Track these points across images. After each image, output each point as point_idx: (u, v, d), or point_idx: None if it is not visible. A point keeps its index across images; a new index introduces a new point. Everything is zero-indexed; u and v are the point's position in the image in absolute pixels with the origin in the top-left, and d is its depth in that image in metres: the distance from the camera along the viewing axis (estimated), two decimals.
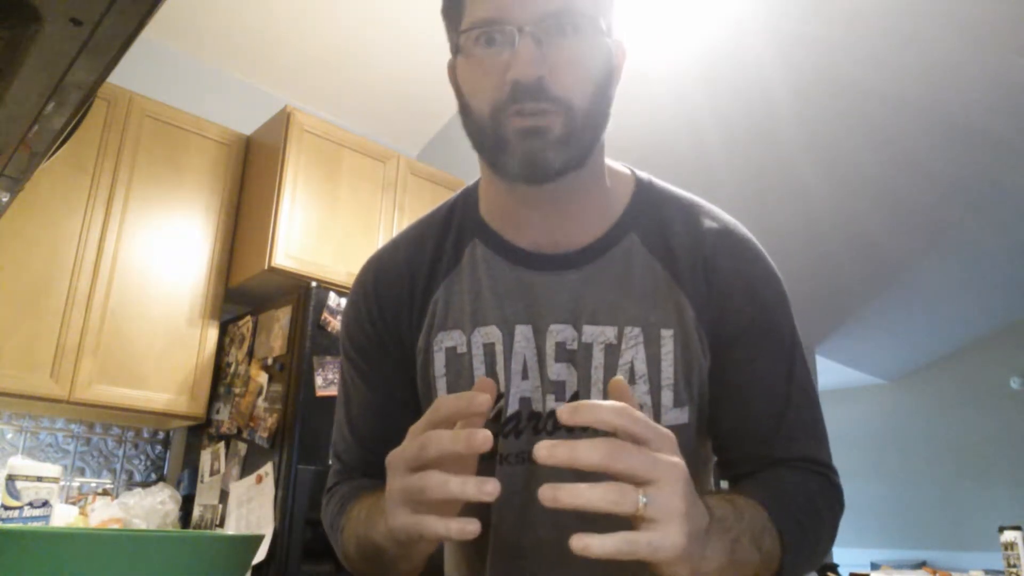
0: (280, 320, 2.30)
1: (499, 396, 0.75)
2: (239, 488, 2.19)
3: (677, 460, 0.53)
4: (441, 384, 0.78)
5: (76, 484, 2.36)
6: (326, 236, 2.52)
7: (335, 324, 2.26)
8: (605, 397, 0.68)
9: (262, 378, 2.27)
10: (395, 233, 2.68)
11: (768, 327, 0.77)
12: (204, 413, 2.38)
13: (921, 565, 5.33)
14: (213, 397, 2.43)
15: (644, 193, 0.81)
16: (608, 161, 0.80)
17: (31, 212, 2.14)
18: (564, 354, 0.74)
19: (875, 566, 5.64)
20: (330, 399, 2.18)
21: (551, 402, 0.74)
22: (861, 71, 3.28)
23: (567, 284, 0.76)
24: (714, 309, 0.75)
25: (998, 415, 6.28)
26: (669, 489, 0.51)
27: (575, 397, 0.73)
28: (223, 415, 2.39)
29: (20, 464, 2.02)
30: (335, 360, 2.22)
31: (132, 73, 2.53)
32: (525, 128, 0.67)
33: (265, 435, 2.16)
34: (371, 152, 2.74)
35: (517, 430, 0.74)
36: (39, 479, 2.01)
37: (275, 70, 3.07)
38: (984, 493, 6.21)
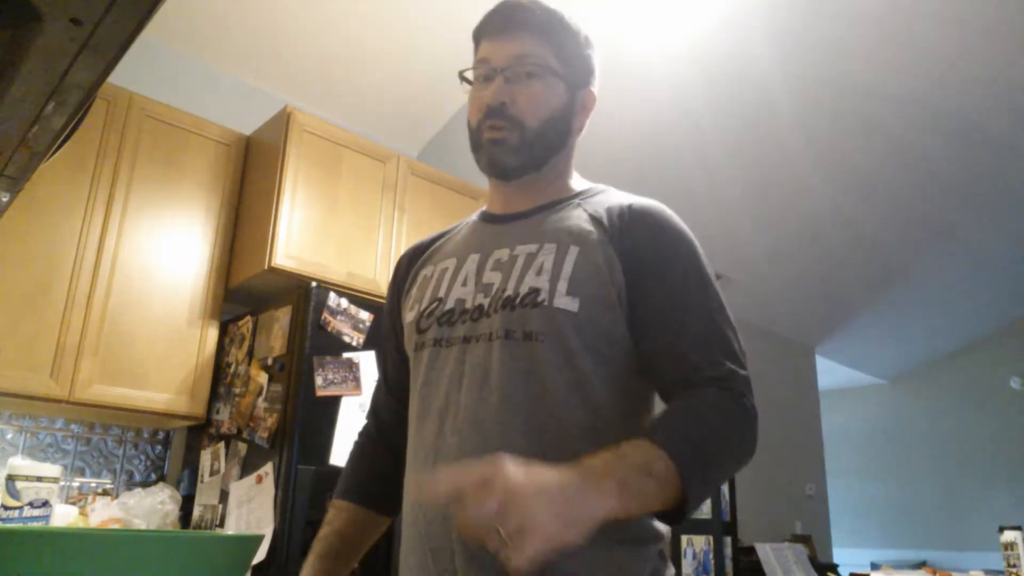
0: (280, 320, 2.30)
1: (438, 299, 1.00)
2: (239, 488, 2.19)
3: (505, 477, 0.65)
4: (408, 301, 1.07)
5: (76, 484, 2.36)
6: (326, 236, 2.52)
7: (335, 324, 2.26)
8: (519, 285, 0.92)
9: (262, 378, 2.27)
10: (395, 233, 2.69)
11: (665, 262, 0.94)
12: (204, 413, 2.38)
13: (921, 565, 5.33)
14: (213, 397, 2.43)
15: (594, 188, 1.07)
16: (582, 178, 1.09)
17: (31, 212, 2.14)
18: (497, 265, 0.98)
19: (875, 566, 5.63)
20: (330, 399, 2.18)
21: (480, 298, 0.96)
22: (861, 70, 3.28)
23: (512, 228, 1.02)
24: (626, 245, 0.94)
25: (998, 415, 6.28)
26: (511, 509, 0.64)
27: (497, 292, 0.94)
28: (223, 415, 2.39)
29: (20, 464, 2.02)
30: (335, 360, 2.22)
31: (132, 73, 2.53)
32: (492, 139, 0.99)
33: (265, 435, 2.16)
34: (371, 152, 2.73)
35: (451, 321, 0.97)
36: (39, 479, 2.01)
37: (275, 70, 3.07)
38: (984, 493, 6.21)
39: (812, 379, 6.09)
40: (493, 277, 0.97)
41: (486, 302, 0.95)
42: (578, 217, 0.99)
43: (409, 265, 1.13)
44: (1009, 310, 6.08)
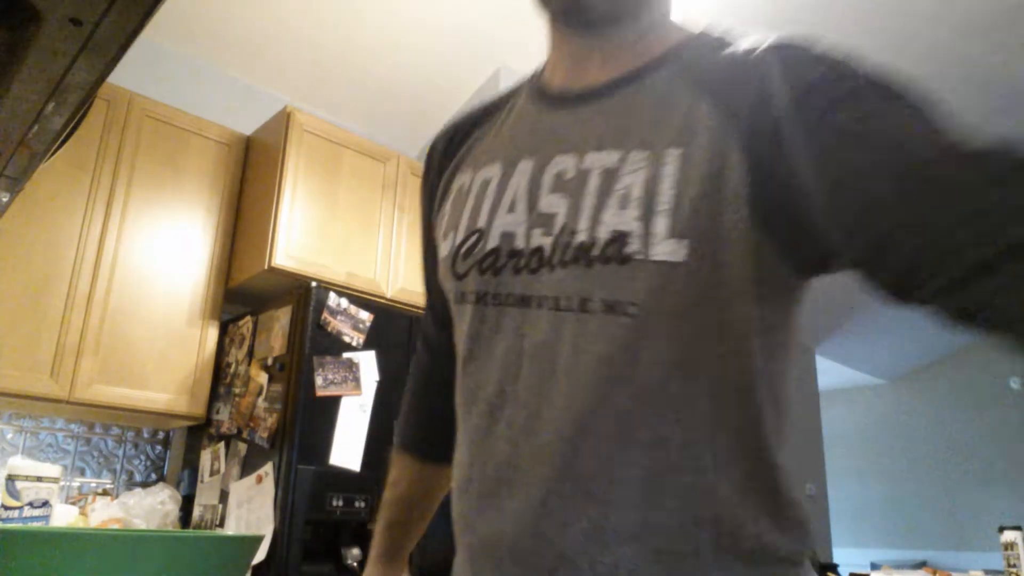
0: (280, 320, 2.30)
1: (477, 231, 0.70)
2: (239, 488, 2.20)
3: None
4: (441, 219, 0.78)
5: (76, 484, 2.36)
6: (326, 236, 2.52)
7: (335, 324, 2.26)
8: (596, 225, 0.62)
9: (262, 378, 2.27)
10: (395, 233, 2.69)
11: (821, 113, 0.57)
12: (204, 413, 2.38)
13: (921, 565, 5.33)
14: (213, 397, 2.43)
15: (701, 36, 0.71)
16: (678, 24, 0.74)
17: (31, 212, 2.14)
18: (560, 185, 0.66)
19: (875, 566, 5.63)
20: (330, 399, 2.18)
21: (537, 237, 0.65)
22: None
23: (581, 117, 0.69)
24: (753, 115, 0.60)
25: (998, 415, 6.28)
26: None
27: (563, 231, 0.64)
28: (223, 415, 2.39)
29: (20, 464, 2.02)
30: (335, 360, 2.22)
31: (132, 73, 2.53)
32: None
33: (265, 435, 2.16)
34: (371, 152, 2.74)
35: (495, 267, 0.68)
36: (39, 479, 2.01)
37: (275, 70, 3.07)
38: (984, 493, 6.21)
39: (812, 379, 6.09)
40: (555, 204, 0.66)
41: (547, 244, 0.65)
42: (676, 93, 0.65)
43: (443, 159, 0.83)
44: None
